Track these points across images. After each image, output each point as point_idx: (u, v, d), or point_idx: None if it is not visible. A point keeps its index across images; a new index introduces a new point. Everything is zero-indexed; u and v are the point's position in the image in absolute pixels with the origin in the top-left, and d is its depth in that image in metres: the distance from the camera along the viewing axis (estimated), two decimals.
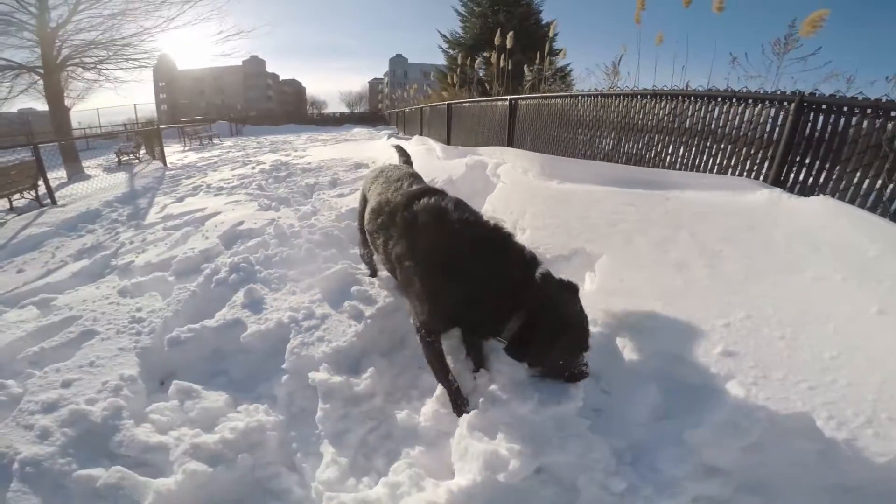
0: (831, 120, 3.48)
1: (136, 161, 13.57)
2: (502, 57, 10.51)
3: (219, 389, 2.30)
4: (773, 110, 3.85)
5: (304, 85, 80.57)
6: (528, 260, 1.99)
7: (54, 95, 12.38)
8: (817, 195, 3.30)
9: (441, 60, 22.37)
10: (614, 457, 1.79)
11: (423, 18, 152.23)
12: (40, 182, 8.01)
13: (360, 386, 2.21)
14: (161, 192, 7.95)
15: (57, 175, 9.70)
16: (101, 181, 9.43)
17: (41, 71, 12.07)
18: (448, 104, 11.92)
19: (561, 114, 6.69)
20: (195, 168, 11.19)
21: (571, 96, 6.64)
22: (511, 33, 10.63)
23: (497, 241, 2.02)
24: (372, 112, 57.51)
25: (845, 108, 3.41)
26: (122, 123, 28.52)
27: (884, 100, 3.21)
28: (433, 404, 2.08)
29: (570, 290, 2.01)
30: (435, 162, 6.24)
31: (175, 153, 15.84)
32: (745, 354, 2.03)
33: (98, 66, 13.03)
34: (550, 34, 11.62)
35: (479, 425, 1.85)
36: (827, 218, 2.82)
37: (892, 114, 3.14)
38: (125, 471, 1.70)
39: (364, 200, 2.90)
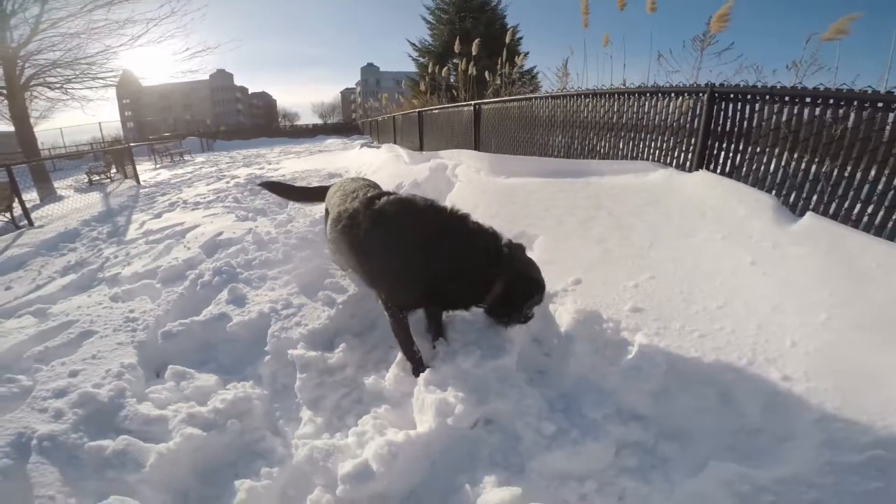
0: (739, 107, 3.89)
1: (108, 180, 13.50)
2: (469, 63, 10.93)
3: (210, 373, 2.60)
4: (691, 101, 4.25)
5: (274, 97, 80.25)
6: (493, 233, 2.36)
7: (20, 116, 12.31)
8: (700, 171, 3.75)
9: (412, 68, 22.76)
10: (547, 404, 2.07)
11: (394, 27, 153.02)
12: (15, 203, 8.04)
13: (333, 359, 2.55)
14: (138, 210, 8.11)
15: (29, 197, 9.74)
16: (74, 201, 9.47)
17: (5, 91, 12.01)
18: (419, 112, 12.24)
19: (519, 116, 7.08)
20: (169, 185, 11.30)
21: (527, 99, 7.03)
22: (477, 40, 11.03)
23: (466, 222, 2.33)
24: (345, 122, 57.45)
25: (749, 96, 3.81)
26: (87, 143, 27.98)
27: (778, 86, 3.62)
28: (394, 369, 2.41)
29: (523, 250, 2.43)
30: (402, 167, 6.64)
31: (147, 171, 15.81)
32: (650, 309, 2.43)
33: (64, 86, 13.00)
34: (508, 40, 12.03)
35: (433, 380, 2.18)
36: (707, 188, 3.32)
37: (787, 98, 3.52)
38: (130, 438, 1.97)
39: (327, 214, 3.12)
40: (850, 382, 1.86)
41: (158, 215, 7.18)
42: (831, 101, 3.27)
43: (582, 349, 2.41)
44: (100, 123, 28.44)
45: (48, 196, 11.32)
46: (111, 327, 3.03)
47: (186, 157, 21.47)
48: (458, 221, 2.34)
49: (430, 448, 1.97)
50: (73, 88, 13.23)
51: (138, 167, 13.66)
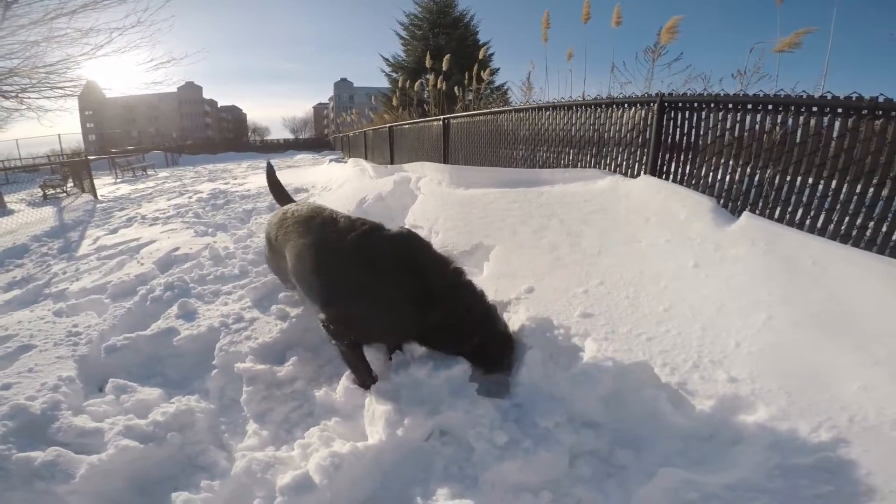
0: (687, 116, 4.02)
1: (64, 194, 12.98)
2: (440, 79, 11.08)
3: (154, 387, 2.51)
4: (643, 112, 4.38)
5: (244, 111, 79.20)
6: (480, 295, 2.33)
7: None
8: (643, 176, 3.86)
9: (386, 83, 22.86)
10: (499, 414, 2.03)
11: (368, 42, 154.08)
12: None
13: (282, 372, 2.50)
14: (93, 225, 7.82)
15: None
16: (26, 216, 9.06)
17: None
18: (389, 127, 12.30)
19: (485, 130, 7.20)
20: (128, 200, 10.97)
21: (492, 113, 7.18)
22: (447, 56, 11.22)
23: (462, 282, 2.30)
24: (317, 138, 57.33)
25: (696, 105, 3.94)
26: (45, 155, 27.02)
27: (722, 94, 3.77)
28: (345, 381, 2.37)
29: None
30: (367, 181, 6.66)
31: (106, 185, 15.36)
32: (599, 314, 2.47)
33: (20, 95, 12.46)
34: (481, 56, 12.22)
35: (385, 391, 2.15)
36: (651, 193, 3.45)
37: (730, 106, 3.66)
38: (61, 450, 1.89)
39: (271, 245, 2.94)
40: (795, 382, 1.90)
41: (114, 231, 6.94)
42: (770, 106, 3.42)
43: (534, 357, 2.41)
44: (59, 135, 27.54)
45: None
46: (52, 342, 2.90)
47: (149, 172, 20.99)
48: (454, 276, 2.31)
49: (382, 460, 1.93)
50: (30, 98, 12.68)
51: (98, 181, 13.23)
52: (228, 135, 68.53)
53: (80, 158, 15.89)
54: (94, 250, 5.75)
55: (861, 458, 1.57)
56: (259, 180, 12.50)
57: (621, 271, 2.78)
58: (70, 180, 13.89)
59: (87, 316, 3.34)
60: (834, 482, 1.51)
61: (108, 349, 2.77)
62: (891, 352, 1.92)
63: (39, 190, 13.27)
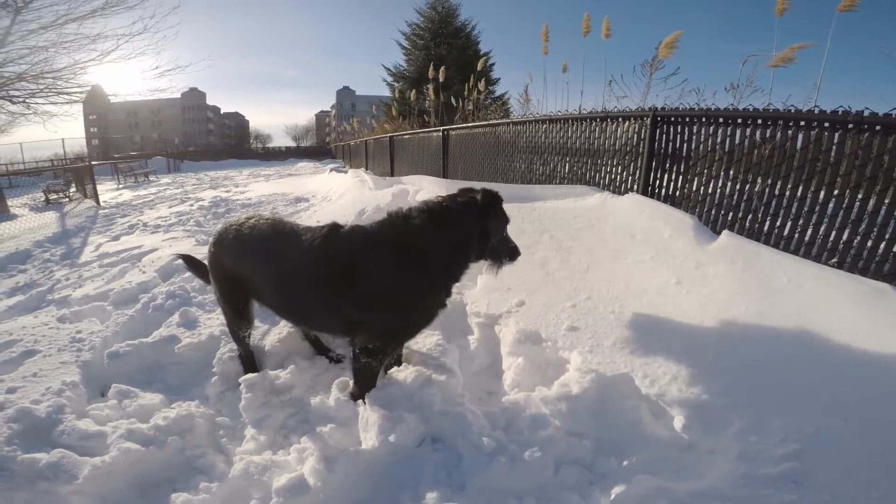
0: (679, 130, 4.04)
1: (66, 200, 13.08)
2: (438, 89, 11.25)
3: (155, 392, 2.60)
4: (637, 125, 4.41)
5: (247, 118, 79.82)
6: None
7: None
8: (630, 193, 3.91)
9: (388, 92, 22.98)
10: (489, 422, 2.11)
11: (372, 50, 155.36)
12: None
13: (280, 380, 2.58)
14: (95, 232, 7.93)
15: None
16: (28, 221, 9.16)
17: None
18: (390, 136, 12.41)
19: (484, 141, 7.28)
20: (130, 206, 11.09)
21: (491, 125, 7.29)
22: (442, 68, 11.39)
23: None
24: (319, 145, 57.75)
25: (687, 119, 3.96)
26: (48, 159, 27.25)
27: (713, 108, 3.78)
28: (336, 392, 2.43)
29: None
30: (366, 192, 6.78)
31: (108, 191, 15.50)
32: (586, 328, 2.57)
33: (27, 101, 12.60)
34: (479, 67, 12.36)
35: (379, 399, 2.22)
36: (637, 211, 3.54)
37: (720, 120, 3.68)
38: (65, 451, 1.96)
39: (221, 266, 2.58)
40: (766, 395, 1.98)
41: (116, 238, 7.06)
42: (759, 121, 3.44)
43: (521, 367, 2.51)
44: (63, 140, 27.76)
45: (1, 215, 10.89)
46: (56, 347, 2.98)
47: (151, 178, 21.11)
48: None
49: (374, 465, 2.00)
50: (36, 103, 12.81)
51: (100, 187, 13.34)
52: (231, 141, 69.07)
53: (83, 164, 16.00)
54: (96, 257, 5.87)
55: (825, 469, 1.64)
56: (260, 188, 12.64)
57: (608, 287, 2.88)
58: (73, 185, 13.98)
59: (90, 322, 3.43)
60: (797, 491, 1.58)
61: (110, 355, 2.86)
62: (858, 367, 2.01)
63: (42, 194, 13.34)
